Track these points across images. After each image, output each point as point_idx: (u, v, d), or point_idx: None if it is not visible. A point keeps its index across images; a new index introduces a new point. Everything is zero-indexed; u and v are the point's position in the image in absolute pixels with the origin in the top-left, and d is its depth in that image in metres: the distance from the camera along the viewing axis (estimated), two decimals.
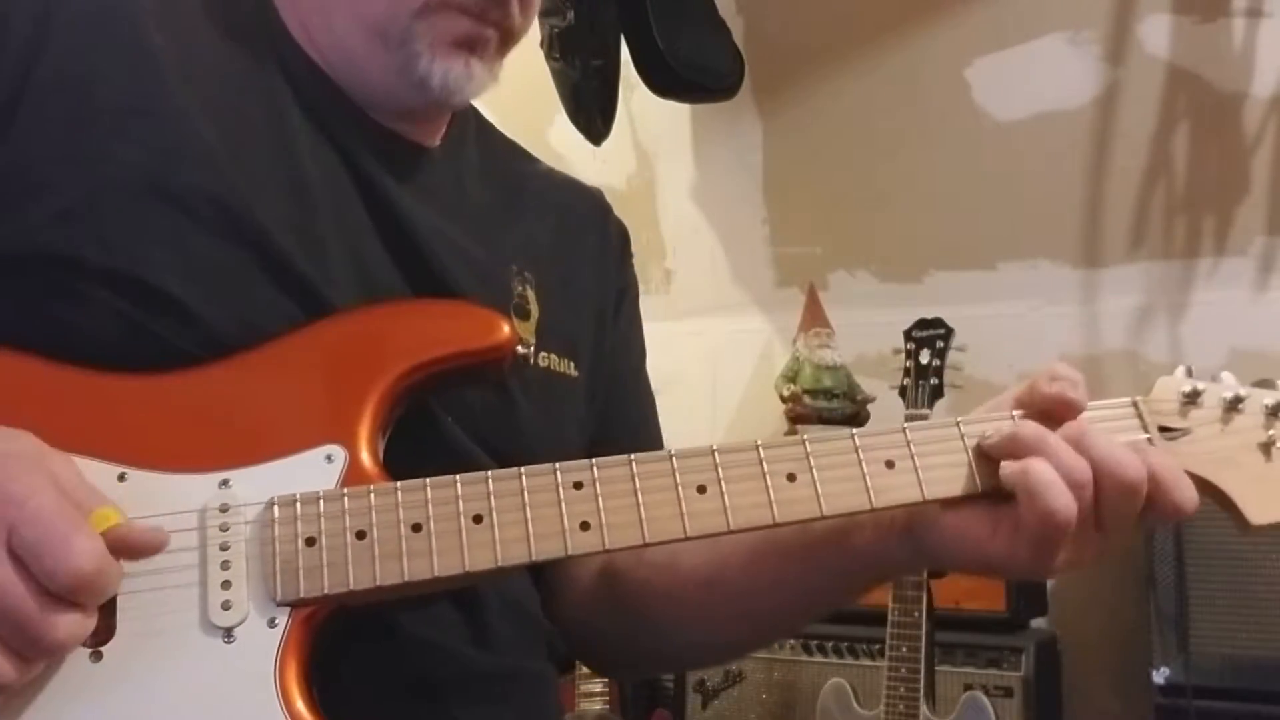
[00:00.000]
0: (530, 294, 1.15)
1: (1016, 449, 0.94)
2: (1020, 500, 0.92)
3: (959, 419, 0.97)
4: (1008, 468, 0.93)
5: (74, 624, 0.80)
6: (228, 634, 0.86)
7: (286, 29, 1.10)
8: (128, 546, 0.83)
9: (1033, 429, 0.94)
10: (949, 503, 0.96)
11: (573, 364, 1.18)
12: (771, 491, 0.94)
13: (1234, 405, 1.00)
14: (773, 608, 1.14)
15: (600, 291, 1.27)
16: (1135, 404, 1.01)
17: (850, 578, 1.07)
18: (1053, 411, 0.96)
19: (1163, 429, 1.00)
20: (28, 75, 0.97)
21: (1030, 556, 0.94)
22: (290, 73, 1.09)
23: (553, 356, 1.16)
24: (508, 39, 1.13)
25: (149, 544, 0.84)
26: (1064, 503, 0.90)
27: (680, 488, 0.93)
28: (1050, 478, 0.91)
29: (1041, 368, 1.01)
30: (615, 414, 1.25)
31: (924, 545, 0.99)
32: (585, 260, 1.27)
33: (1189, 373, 1.02)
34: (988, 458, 0.95)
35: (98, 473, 0.88)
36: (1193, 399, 1.00)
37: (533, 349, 1.14)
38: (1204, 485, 0.99)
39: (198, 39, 1.06)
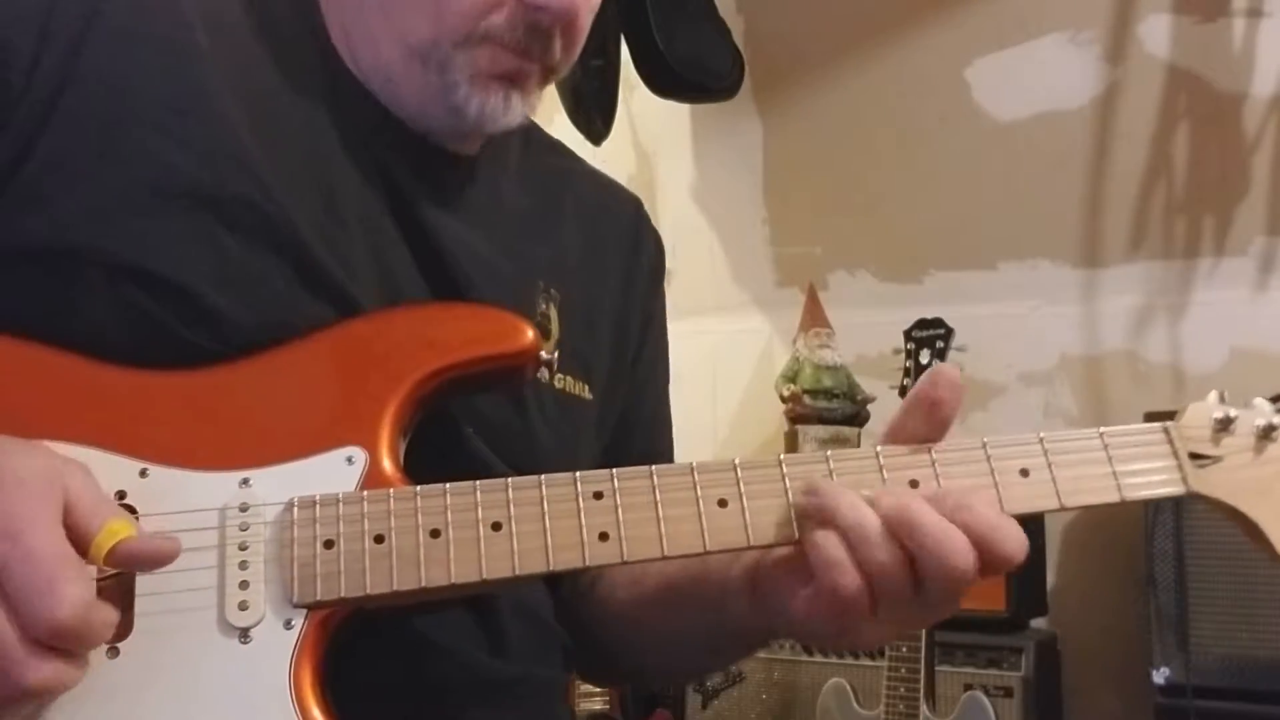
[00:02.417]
0: (553, 312, 1.15)
1: (812, 512, 0.91)
2: (812, 570, 0.90)
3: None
4: (805, 532, 0.91)
5: (54, 671, 0.78)
6: (244, 634, 0.86)
7: (329, 35, 1.10)
8: (136, 561, 0.83)
9: (830, 497, 0.90)
10: (785, 553, 0.93)
11: (587, 387, 1.18)
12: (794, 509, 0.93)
13: (1267, 433, 0.98)
14: (673, 645, 1.16)
15: (624, 312, 1.25)
16: (1166, 430, 0.98)
17: (730, 626, 1.06)
18: (931, 414, 0.95)
19: (1193, 455, 0.97)
20: (72, 70, 0.96)
21: (831, 629, 0.92)
22: (328, 80, 1.09)
23: (569, 379, 1.15)
24: (549, 74, 1.12)
25: (159, 555, 0.83)
26: (846, 582, 0.88)
27: (701, 501, 0.92)
28: (834, 557, 0.88)
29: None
30: (624, 447, 1.23)
31: (765, 603, 0.97)
32: (613, 274, 1.26)
33: (1222, 399, 1.00)
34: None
35: (119, 468, 0.88)
36: (1225, 426, 0.98)
37: (553, 366, 1.13)
38: (1233, 515, 0.97)
39: (239, 41, 1.06)
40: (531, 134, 1.27)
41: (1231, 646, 2.51)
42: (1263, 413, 0.99)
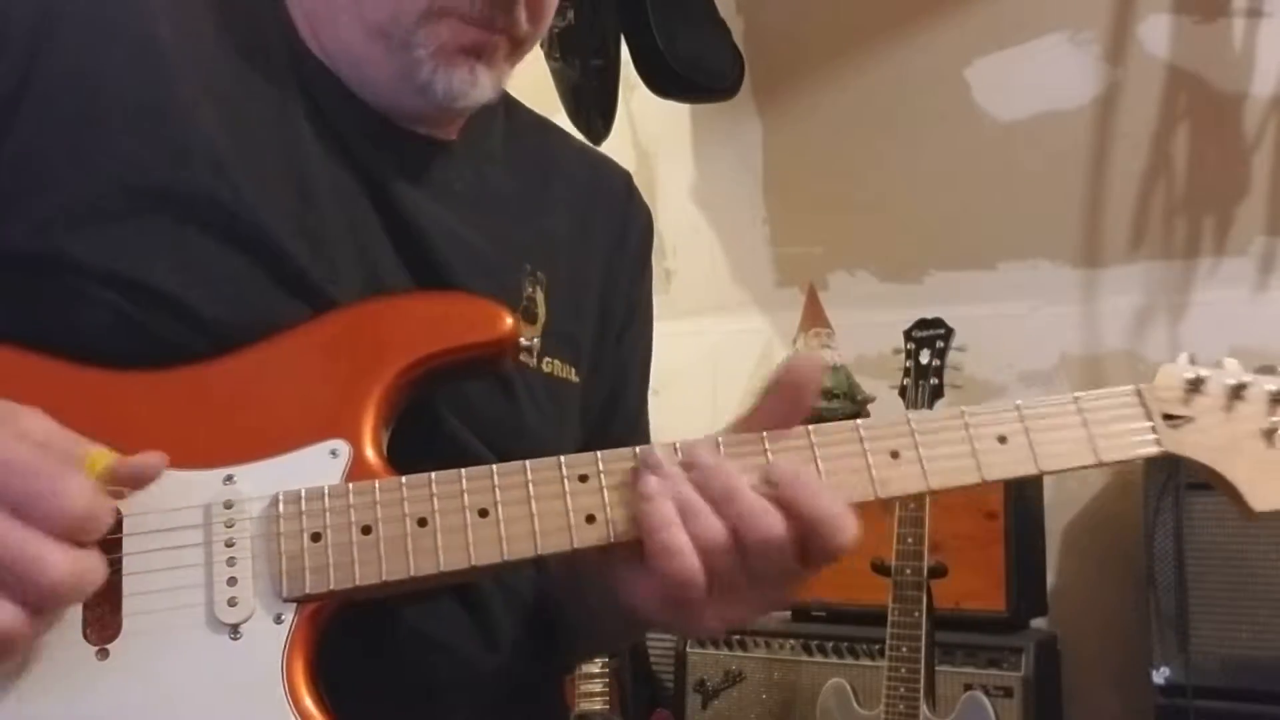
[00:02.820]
0: (540, 296, 1.14)
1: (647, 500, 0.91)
2: (647, 558, 0.90)
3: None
4: (640, 521, 0.90)
5: (75, 560, 0.79)
6: (234, 630, 0.86)
7: (293, 22, 1.09)
8: (126, 478, 0.84)
9: (660, 483, 0.90)
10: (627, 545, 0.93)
11: (574, 369, 1.17)
12: None
13: (1237, 392, 1.00)
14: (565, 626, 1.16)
15: (610, 293, 1.24)
16: (1139, 392, 1.00)
17: (597, 614, 1.07)
18: (795, 399, 0.94)
19: (1166, 416, 0.99)
20: (32, 70, 0.96)
21: (671, 615, 0.92)
22: (297, 68, 1.07)
23: (556, 362, 1.15)
24: (517, 47, 1.11)
25: (144, 471, 0.85)
26: (686, 565, 0.88)
27: None
28: (675, 544, 0.88)
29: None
30: (605, 428, 1.23)
31: (610, 590, 0.96)
32: (601, 251, 1.24)
33: (1191, 360, 1.02)
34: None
35: None
36: (1196, 386, 1.00)
37: (537, 352, 1.12)
38: (1207, 472, 0.99)
39: (205, 33, 1.05)
40: (515, 113, 1.26)
41: (1231, 646, 2.51)
42: (1232, 372, 1.01)
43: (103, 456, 0.83)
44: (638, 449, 0.93)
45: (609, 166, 1.33)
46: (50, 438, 0.83)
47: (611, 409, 1.25)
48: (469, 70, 1.06)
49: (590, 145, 1.33)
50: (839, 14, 3.45)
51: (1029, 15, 3.22)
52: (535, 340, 1.11)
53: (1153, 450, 0.98)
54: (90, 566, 0.81)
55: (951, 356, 2.62)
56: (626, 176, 1.33)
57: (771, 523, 0.88)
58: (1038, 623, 2.96)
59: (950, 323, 2.66)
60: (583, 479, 0.92)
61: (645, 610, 0.93)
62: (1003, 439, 0.96)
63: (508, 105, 1.24)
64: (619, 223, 1.28)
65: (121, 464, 0.84)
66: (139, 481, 0.86)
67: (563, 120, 3.24)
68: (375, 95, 1.09)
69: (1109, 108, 3.14)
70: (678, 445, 0.93)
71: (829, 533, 0.89)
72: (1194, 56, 3.04)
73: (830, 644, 2.85)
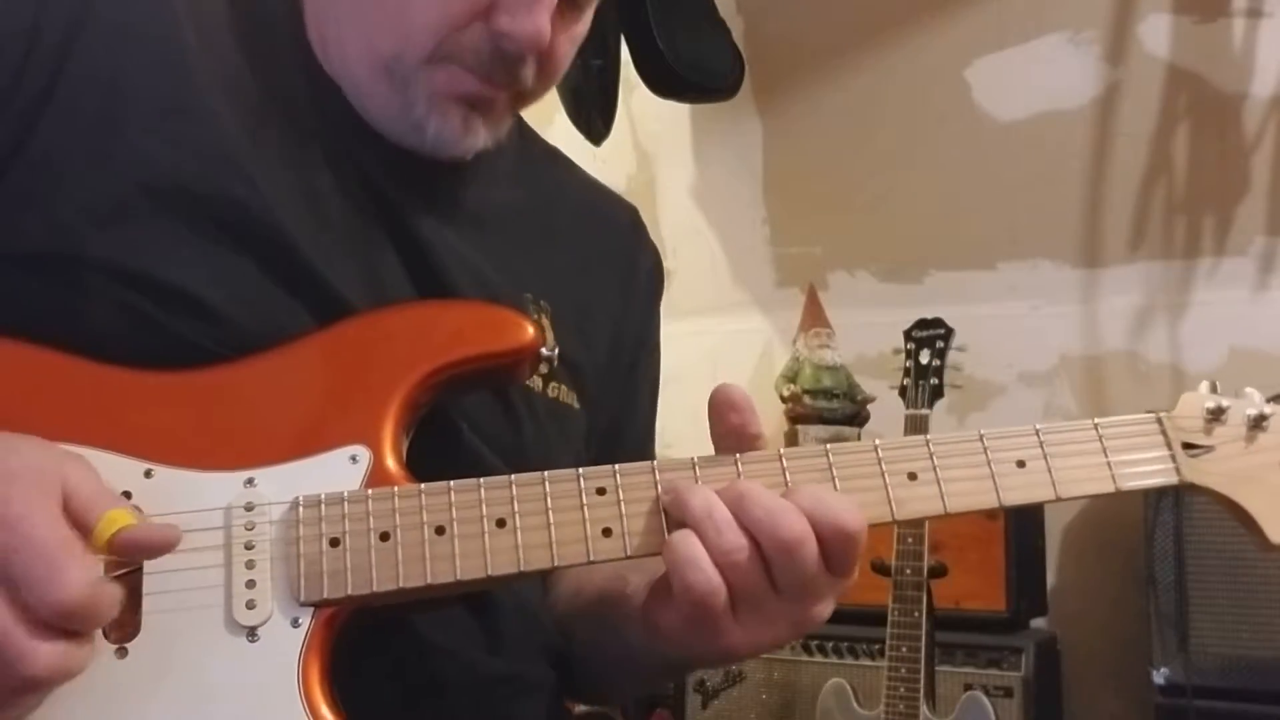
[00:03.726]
0: (545, 322, 1.14)
1: (673, 513, 0.90)
2: (668, 575, 0.89)
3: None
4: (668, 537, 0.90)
5: (59, 653, 0.78)
6: (252, 633, 0.86)
7: (308, 39, 1.08)
8: (138, 548, 0.82)
9: (683, 493, 0.90)
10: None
11: (576, 397, 1.17)
12: None
13: (1258, 423, 0.99)
14: (599, 663, 1.15)
15: (620, 325, 1.24)
16: (1159, 420, 1.00)
17: (637, 652, 1.05)
18: (739, 443, 0.94)
19: (1186, 445, 0.99)
20: (60, 72, 0.96)
21: (695, 635, 0.91)
22: (308, 83, 1.07)
23: (561, 388, 1.15)
24: (520, 100, 1.10)
25: (160, 543, 0.83)
26: (703, 578, 0.87)
27: None
28: (689, 554, 0.87)
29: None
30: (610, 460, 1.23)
31: (650, 625, 0.95)
32: (609, 286, 1.24)
33: (1214, 388, 1.01)
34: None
35: (124, 469, 0.88)
36: (1217, 416, 0.99)
37: (554, 362, 1.12)
38: (1226, 503, 0.98)
39: (225, 40, 1.05)
40: (528, 141, 1.26)
41: (1231, 646, 2.51)
42: (1254, 402, 1.01)
43: (118, 520, 0.81)
44: (656, 463, 0.93)
45: (616, 201, 1.33)
46: (77, 492, 0.81)
47: (616, 436, 1.25)
48: (461, 120, 1.05)
49: (597, 180, 1.32)
50: (839, 14, 3.45)
51: (1029, 15, 3.22)
52: (555, 350, 1.10)
53: (1171, 481, 0.98)
54: (76, 656, 0.79)
55: (951, 356, 2.62)
56: (633, 212, 1.33)
57: (792, 521, 0.88)
58: (1038, 623, 2.96)
59: (950, 323, 2.66)
60: (600, 492, 0.92)
61: (670, 634, 0.92)
62: (1021, 463, 0.96)
63: (521, 128, 1.23)
64: (626, 257, 1.29)
65: (135, 532, 0.81)
66: (153, 552, 0.84)
67: (563, 120, 3.24)
68: (373, 121, 1.07)
69: (1109, 108, 3.14)
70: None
71: (846, 528, 0.89)
72: (1194, 56, 3.05)
73: (830, 644, 2.85)
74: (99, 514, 0.81)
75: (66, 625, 0.78)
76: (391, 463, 0.92)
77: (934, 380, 2.60)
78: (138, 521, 0.82)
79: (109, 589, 0.80)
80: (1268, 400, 1.01)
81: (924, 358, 2.62)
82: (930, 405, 2.57)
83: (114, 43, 0.99)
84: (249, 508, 0.89)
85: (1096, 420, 0.98)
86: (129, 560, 0.84)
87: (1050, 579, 3.03)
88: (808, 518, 0.88)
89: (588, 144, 3.23)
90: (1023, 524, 2.82)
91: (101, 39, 0.98)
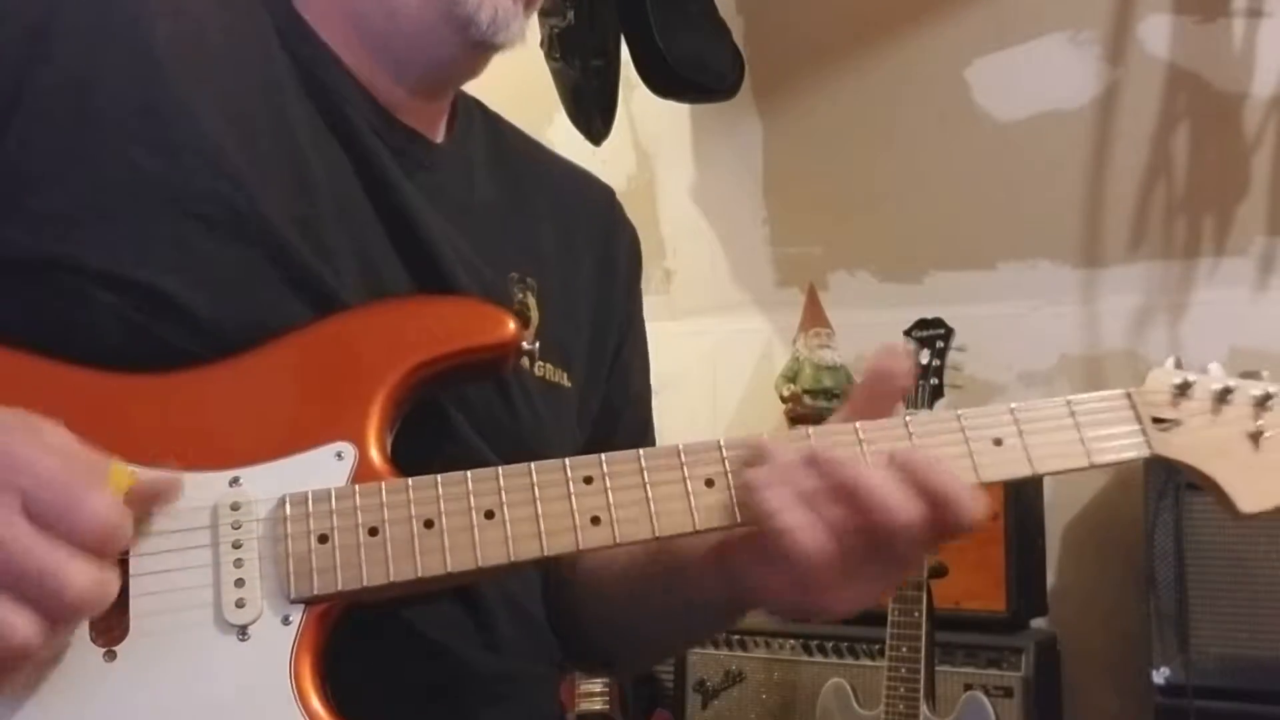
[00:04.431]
0: (531, 300, 1.15)
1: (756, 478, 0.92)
2: (770, 545, 0.91)
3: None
4: (755, 510, 0.91)
5: (96, 575, 0.79)
6: (242, 632, 0.86)
7: (299, 12, 1.09)
8: (151, 495, 0.85)
9: (771, 472, 0.91)
10: (751, 533, 0.94)
11: (566, 375, 1.18)
12: None
13: (1223, 396, 1.02)
14: (644, 625, 1.17)
15: (603, 305, 1.26)
16: (1129, 396, 1.02)
17: (697, 606, 1.07)
18: (881, 388, 0.97)
19: (1156, 420, 1.02)
20: (26, 77, 0.95)
21: (801, 595, 0.93)
22: (295, 56, 1.08)
23: (549, 366, 1.15)
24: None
25: (167, 490, 0.86)
26: (815, 540, 0.89)
27: (689, 481, 0.93)
28: (797, 521, 0.89)
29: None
30: (607, 441, 1.22)
31: (733, 578, 0.98)
32: (589, 265, 1.26)
33: (1178, 364, 1.04)
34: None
35: None
36: (1183, 390, 1.02)
37: (534, 355, 1.13)
38: (1196, 474, 1.01)
39: (205, 28, 1.04)
40: (498, 125, 1.27)
41: (1231, 646, 2.51)
42: (1217, 377, 1.04)
43: (124, 472, 0.83)
44: (755, 437, 0.95)
45: (592, 182, 1.34)
46: (73, 450, 0.82)
47: (613, 422, 1.25)
48: (513, 1, 1.09)
49: (572, 161, 1.34)
50: (839, 15, 3.45)
51: (1029, 15, 3.21)
52: (535, 345, 1.12)
53: (1142, 453, 1.01)
54: (109, 579, 0.81)
55: (951, 356, 2.62)
56: (609, 193, 1.35)
57: (907, 506, 0.90)
58: (1038, 623, 2.96)
59: (950, 323, 2.66)
60: (587, 480, 0.92)
61: (774, 595, 0.95)
62: (998, 441, 0.98)
63: (486, 115, 1.26)
64: (604, 236, 1.30)
65: (142, 480, 0.84)
66: (159, 499, 0.86)
67: (563, 120, 3.24)
68: (392, 51, 1.09)
69: (1109, 108, 3.14)
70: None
71: (961, 509, 0.91)
72: (1194, 56, 3.04)
73: (830, 644, 2.85)
74: (106, 468, 0.82)
75: (98, 550, 0.79)
76: (377, 458, 0.92)
77: (934, 380, 2.60)
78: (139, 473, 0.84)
79: (128, 515, 0.81)
80: (1233, 377, 1.04)
81: (924, 358, 2.62)
82: (930, 405, 2.57)
83: (83, 46, 0.97)
84: (235, 507, 0.89)
85: (1070, 398, 1.01)
86: (138, 511, 0.85)
87: (1050, 579, 3.03)
88: (930, 497, 0.90)
89: (588, 144, 3.23)
90: (1023, 524, 2.82)
91: (70, 43, 0.97)
